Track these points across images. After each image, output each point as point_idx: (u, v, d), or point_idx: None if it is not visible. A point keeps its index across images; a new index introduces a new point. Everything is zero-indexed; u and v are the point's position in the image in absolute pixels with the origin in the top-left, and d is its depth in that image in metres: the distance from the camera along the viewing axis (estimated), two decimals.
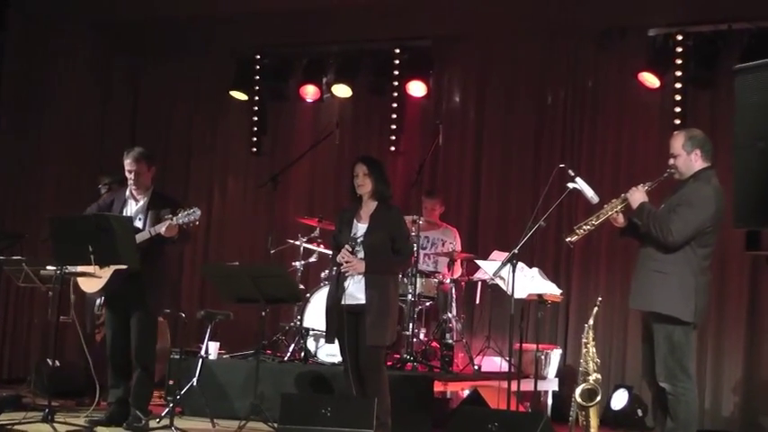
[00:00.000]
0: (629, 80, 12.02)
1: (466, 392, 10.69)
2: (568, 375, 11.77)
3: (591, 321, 7.63)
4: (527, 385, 10.08)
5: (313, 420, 7.55)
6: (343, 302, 8.37)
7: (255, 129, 13.92)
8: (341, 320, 8.39)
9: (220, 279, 8.68)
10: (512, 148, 12.75)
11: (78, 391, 10.54)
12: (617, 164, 12.05)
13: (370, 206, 8.57)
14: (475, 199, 12.89)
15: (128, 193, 9.24)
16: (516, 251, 8.22)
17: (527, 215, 12.09)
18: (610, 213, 7.84)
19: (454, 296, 11.21)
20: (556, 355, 11.27)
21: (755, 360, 11.30)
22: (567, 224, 11.57)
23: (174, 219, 8.77)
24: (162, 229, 8.79)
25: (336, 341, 8.61)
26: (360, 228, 8.51)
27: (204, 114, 14.26)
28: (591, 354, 7.59)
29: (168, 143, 14.07)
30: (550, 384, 11.25)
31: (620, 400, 11.17)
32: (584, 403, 7.44)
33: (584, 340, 7.62)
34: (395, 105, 13.17)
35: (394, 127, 13.18)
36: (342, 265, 8.39)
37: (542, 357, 10.96)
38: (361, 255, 8.39)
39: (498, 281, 8.39)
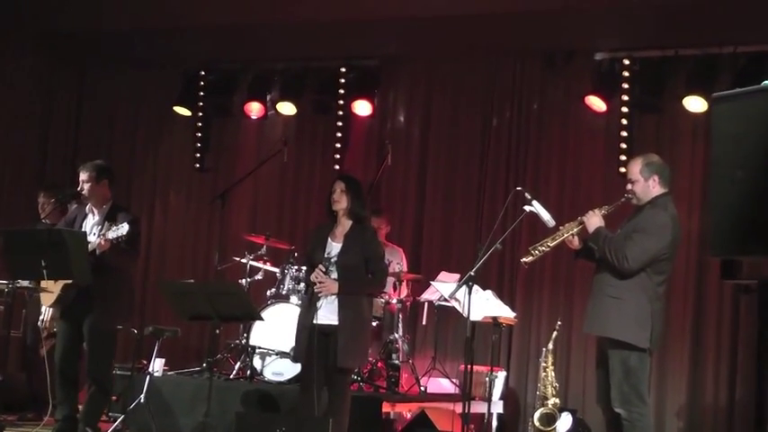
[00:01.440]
0: (574, 103, 12.12)
1: (409, 414, 10.69)
2: (511, 398, 11.86)
3: (550, 345, 7.67)
4: (476, 407, 10.09)
5: None
6: (315, 321, 8.31)
7: (199, 144, 13.84)
8: (311, 340, 8.31)
9: (175, 296, 8.58)
10: (456, 169, 12.79)
11: (20, 406, 10.39)
12: (562, 186, 12.14)
13: (344, 225, 8.50)
14: (419, 219, 12.92)
15: (87, 207, 9.16)
16: (473, 273, 8.21)
17: (471, 236, 12.30)
18: (566, 236, 7.88)
19: (400, 317, 11.20)
20: (500, 378, 11.29)
21: (699, 384, 11.40)
22: (512, 246, 11.65)
23: (105, 234, 8.66)
24: (95, 244, 8.70)
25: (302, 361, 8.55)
26: (334, 247, 8.44)
27: (148, 129, 14.16)
28: (550, 378, 7.62)
29: (111, 157, 13.90)
30: (495, 407, 11.26)
31: (564, 423, 11.18)
32: (542, 428, 7.45)
33: (542, 364, 7.65)
34: (340, 124, 13.16)
35: (339, 145, 13.17)
36: (315, 284, 8.33)
37: (487, 380, 10.96)
38: (334, 275, 8.34)
39: (454, 303, 8.37)
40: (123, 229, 8.57)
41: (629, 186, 7.88)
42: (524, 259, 7.89)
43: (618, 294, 7.65)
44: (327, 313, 8.33)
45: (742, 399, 11.24)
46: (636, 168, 7.86)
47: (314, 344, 8.29)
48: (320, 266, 8.33)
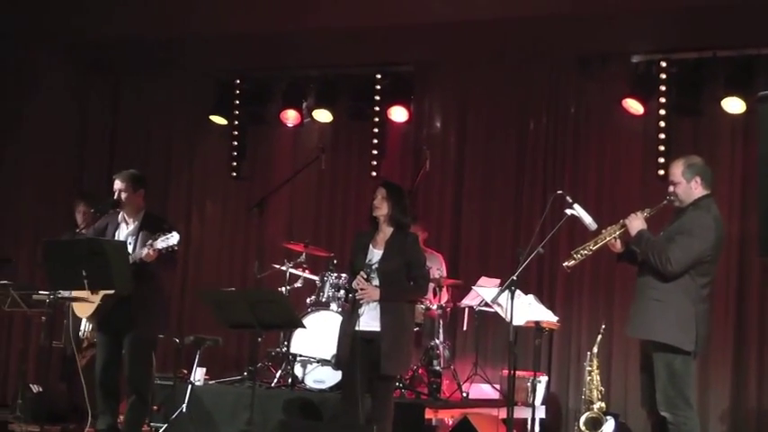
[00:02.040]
0: (611, 106, 12.06)
1: (451, 420, 10.66)
2: (552, 403, 11.80)
3: (595, 349, 7.64)
4: (518, 413, 10.03)
5: None
6: (357, 328, 8.30)
7: (235, 153, 13.83)
8: (354, 347, 8.30)
9: (217, 304, 8.57)
10: (493, 174, 12.74)
11: (61, 417, 10.41)
12: (599, 190, 12.06)
13: (386, 232, 8.51)
14: (456, 224, 12.88)
15: (120, 216, 9.16)
16: (515, 278, 8.16)
17: (509, 241, 12.27)
18: (608, 239, 7.84)
19: (441, 323, 11.17)
20: (542, 383, 11.23)
21: (742, 389, 11.31)
22: (551, 250, 11.58)
23: (153, 244, 8.68)
24: (142, 254, 8.71)
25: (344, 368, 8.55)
26: (375, 254, 8.45)
27: (183, 138, 14.16)
28: (595, 382, 7.59)
29: (147, 166, 13.93)
30: (538, 412, 11.20)
31: (607, 428, 11.12)
32: None
33: (587, 368, 7.61)
34: (376, 130, 13.15)
35: (375, 152, 13.15)
36: (357, 291, 8.33)
37: (529, 385, 10.93)
38: (376, 282, 8.33)
39: (496, 307, 8.32)
40: (174, 238, 8.60)
41: (671, 188, 7.83)
42: (567, 263, 7.85)
43: (661, 297, 7.60)
44: (369, 320, 8.34)
45: None
46: (678, 170, 7.81)
47: (356, 351, 8.29)
48: (362, 273, 8.34)
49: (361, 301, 8.35)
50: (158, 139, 14.25)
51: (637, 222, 7.77)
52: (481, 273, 11.64)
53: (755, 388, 11.31)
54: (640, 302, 7.76)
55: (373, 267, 8.40)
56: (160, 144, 14.22)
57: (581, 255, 7.83)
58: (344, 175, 13.35)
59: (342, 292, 10.47)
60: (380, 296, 8.32)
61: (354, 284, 8.39)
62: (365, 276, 8.34)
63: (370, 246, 8.55)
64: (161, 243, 8.63)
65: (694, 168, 7.79)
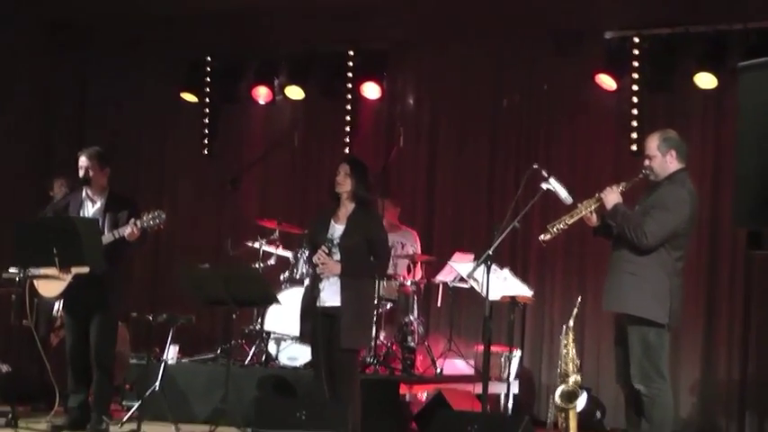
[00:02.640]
0: (584, 83, 12.04)
1: (424, 396, 10.66)
2: (525, 377, 11.82)
3: (571, 322, 7.60)
4: (492, 388, 10.03)
5: (287, 424, 7.46)
6: (318, 304, 8.29)
7: (207, 131, 13.77)
8: (315, 322, 8.30)
9: (193, 282, 8.54)
10: (466, 151, 12.74)
11: (32, 396, 10.34)
12: (573, 166, 12.03)
13: (348, 207, 8.50)
14: (429, 201, 12.88)
15: (83, 194, 9.07)
16: (491, 252, 8.14)
17: (483, 216, 12.28)
18: (583, 213, 7.81)
19: (415, 299, 11.16)
20: (515, 357, 11.23)
21: (712, 361, 11.39)
22: (524, 225, 11.57)
23: (139, 222, 8.61)
24: (126, 231, 8.64)
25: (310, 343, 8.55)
26: (337, 229, 8.45)
27: (154, 116, 14.06)
28: (570, 355, 7.56)
29: (117, 145, 13.85)
30: (511, 387, 11.20)
31: (579, 402, 11.15)
32: (563, 405, 7.39)
33: (563, 341, 7.58)
34: (348, 107, 13.11)
35: (348, 129, 13.10)
36: (317, 266, 8.31)
37: (502, 360, 10.94)
38: (337, 257, 8.32)
39: (472, 282, 8.31)
40: (161, 217, 8.55)
41: (646, 162, 7.81)
42: (543, 237, 7.81)
43: (636, 270, 7.59)
44: (330, 295, 8.35)
45: (754, 374, 11.24)
46: (653, 144, 7.79)
47: (318, 326, 8.29)
48: (323, 248, 8.33)
49: (321, 276, 8.35)
50: (129, 118, 14.12)
51: (612, 196, 7.75)
52: (455, 249, 11.62)
53: (725, 360, 11.38)
54: (615, 276, 7.75)
55: (335, 242, 8.39)
56: (131, 123, 14.10)
57: (557, 229, 7.80)
58: (317, 152, 13.30)
59: None
60: (341, 271, 8.32)
61: (315, 259, 8.38)
62: (326, 251, 8.33)
63: (332, 221, 8.54)
64: (148, 222, 8.58)
65: (669, 142, 7.78)
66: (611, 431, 11.16)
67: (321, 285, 8.32)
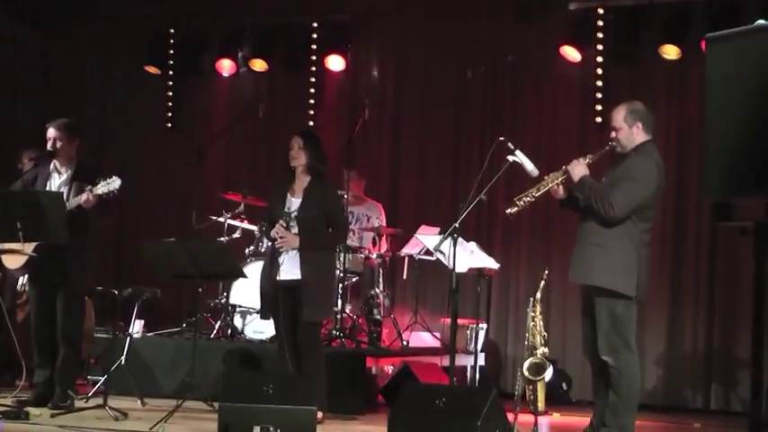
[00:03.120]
0: (549, 55, 12.06)
1: (390, 369, 10.66)
2: (491, 349, 11.84)
3: (538, 295, 7.59)
4: (458, 360, 10.04)
5: (256, 398, 7.38)
6: (278, 278, 8.29)
7: (170, 103, 13.69)
8: (276, 296, 8.29)
9: (158, 256, 8.48)
10: (431, 123, 12.74)
11: None
12: (538, 138, 12.03)
13: (303, 180, 8.53)
14: (394, 174, 12.87)
15: (51, 166, 8.99)
16: (457, 225, 8.12)
17: (447, 189, 12.29)
18: (550, 185, 7.79)
19: (380, 272, 11.14)
20: (481, 330, 11.23)
21: (678, 333, 11.47)
22: (489, 197, 11.56)
23: (94, 189, 8.53)
24: (82, 199, 8.56)
25: (271, 318, 8.54)
26: (293, 202, 8.48)
27: (117, 88, 13.93)
28: (538, 327, 7.56)
29: (80, 117, 13.69)
30: (477, 359, 11.22)
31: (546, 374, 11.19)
32: (531, 377, 7.40)
33: (530, 314, 7.57)
34: (313, 80, 13.06)
35: (312, 101, 13.07)
36: (276, 240, 8.30)
37: (468, 332, 10.96)
38: (295, 230, 8.33)
39: (439, 255, 8.29)
40: (115, 183, 8.48)
41: (612, 134, 7.80)
42: (509, 210, 7.79)
43: (603, 242, 7.59)
44: (290, 268, 8.40)
45: (719, 346, 11.33)
46: (620, 116, 7.78)
47: (278, 300, 8.28)
48: (281, 221, 8.37)
49: (281, 250, 8.34)
50: (91, 90, 14.01)
51: (579, 168, 7.74)
52: (420, 222, 11.60)
53: (690, 331, 11.48)
54: (582, 248, 7.75)
55: (292, 216, 8.43)
56: (93, 93, 13.98)
57: (524, 201, 7.78)
58: (281, 125, 13.18)
59: None
60: (300, 244, 8.32)
61: (273, 233, 8.42)
62: (284, 225, 8.34)
63: (288, 194, 8.58)
64: (102, 188, 8.50)
65: (636, 114, 7.77)
66: (577, 402, 11.19)
67: (280, 259, 8.36)
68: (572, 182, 7.77)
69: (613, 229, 7.57)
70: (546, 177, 7.84)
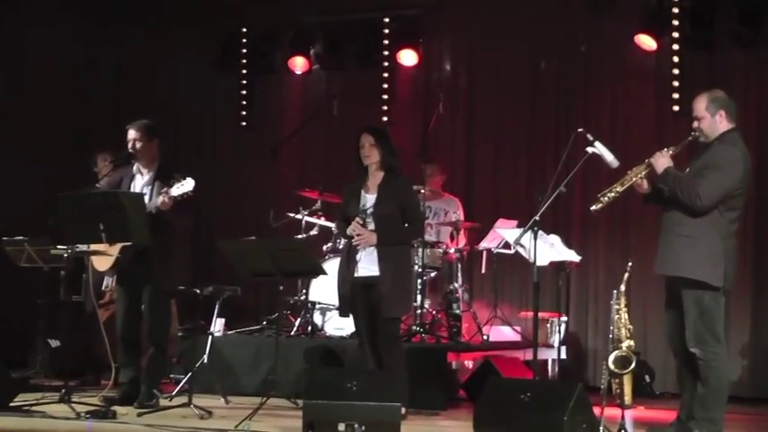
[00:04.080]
0: (623, 43, 11.92)
1: (471, 364, 10.63)
2: (571, 343, 11.76)
3: (622, 287, 7.51)
4: (540, 354, 9.99)
5: (339, 395, 7.38)
6: (355, 275, 8.28)
7: (244, 102, 13.70)
8: (354, 294, 8.28)
9: (238, 255, 8.50)
10: (504, 116, 12.65)
11: (80, 372, 10.38)
12: (613, 129, 11.91)
13: (377, 177, 8.52)
14: (469, 168, 12.80)
15: (135, 168, 9.07)
16: (537, 218, 8.07)
17: (522, 182, 12.22)
18: (634, 180, 7.68)
19: (459, 266, 11.10)
20: (562, 324, 11.16)
21: (762, 323, 11.30)
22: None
23: (169, 191, 8.58)
24: (158, 202, 8.62)
25: (350, 315, 8.55)
26: (368, 199, 8.46)
27: (190, 89, 13.95)
28: (623, 320, 7.48)
29: (154, 117, 13.81)
30: (558, 353, 11.15)
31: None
32: (617, 371, 7.32)
33: (615, 306, 7.49)
34: (385, 75, 13.01)
35: (386, 97, 13.02)
36: (352, 238, 8.28)
37: (549, 326, 10.91)
38: (371, 227, 8.30)
39: (519, 249, 8.26)
40: (189, 185, 8.52)
41: (695, 124, 7.70)
42: (594, 207, 7.69)
43: (690, 233, 7.51)
44: (367, 265, 8.40)
45: None
46: (702, 105, 7.68)
47: (357, 297, 8.26)
48: (357, 219, 8.35)
49: (358, 247, 8.31)
50: (165, 91, 14.05)
51: (663, 160, 7.64)
52: (495, 215, 11.64)
53: None
54: (668, 239, 7.65)
55: (368, 212, 8.40)
56: (167, 96, 14.03)
57: (608, 197, 7.67)
58: (355, 122, 13.11)
59: None
60: (377, 240, 8.30)
61: (350, 230, 8.41)
62: (360, 222, 8.32)
63: (362, 191, 8.56)
64: (176, 190, 8.55)
65: (718, 102, 7.66)
66: (660, 395, 11.09)
67: (357, 256, 8.34)
68: (655, 175, 7.68)
69: (700, 220, 7.49)
70: (629, 172, 7.73)
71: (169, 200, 8.58)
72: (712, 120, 7.63)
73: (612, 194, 7.67)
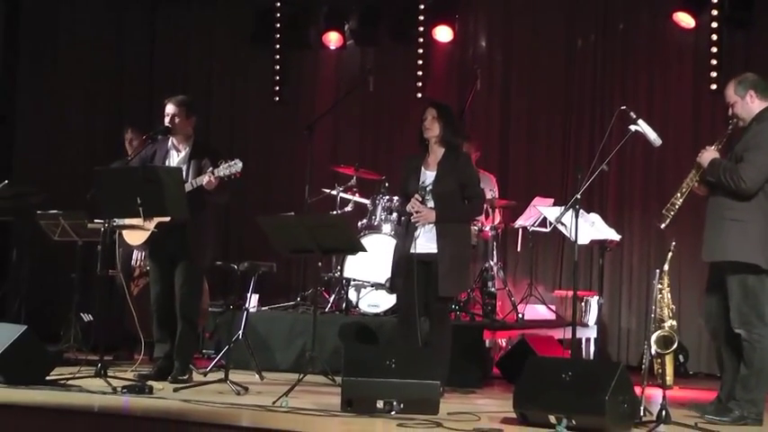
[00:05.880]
0: (661, 21, 11.88)
1: (505, 342, 10.58)
2: (605, 322, 11.70)
3: (665, 267, 7.45)
4: (577, 333, 9.92)
5: (378, 372, 7.34)
6: (413, 251, 8.21)
7: (277, 77, 13.64)
8: (411, 270, 8.21)
9: (276, 230, 8.43)
10: (540, 93, 12.59)
11: (113, 346, 10.36)
12: (651, 108, 11.78)
13: (437, 153, 8.41)
14: (504, 145, 12.75)
15: (170, 143, 9.00)
16: (579, 196, 8.01)
17: (558, 160, 12.16)
18: (691, 185, 7.64)
19: (494, 244, 11.06)
20: (595, 302, 11.11)
21: None
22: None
23: (216, 171, 8.54)
24: (203, 181, 8.57)
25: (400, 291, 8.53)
26: (428, 175, 8.37)
27: (223, 63, 13.97)
28: (666, 300, 7.44)
29: (186, 92, 13.78)
30: (591, 332, 11.13)
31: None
32: (660, 350, 7.26)
33: (658, 286, 7.43)
34: (420, 51, 12.94)
35: (420, 73, 12.95)
36: (411, 214, 8.23)
37: (583, 305, 10.86)
38: (430, 204, 8.24)
39: (560, 227, 8.21)
40: (237, 166, 8.46)
41: (730, 111, 7.66)
42: (662, 224, 7.63)
43: (738, 217, 7.43)
44: (426, 242, 8.29)
45: None
46: (730, 91, 7.67)
47: (413, 274, 8.20)
48: (416, 196, 8.26)
49: (416, 224, 8.25)
50: (198, 66, 14.05)
51: (708, 154, 7.59)
52: (529, 193, 11.57)
53: None
54: (716, 224, 7.54)
55: (427, 189, 8.32)
56: (200, 71, 14.02)
57: (672, 211, 7.61)
58: (389, 98, 13.18)
59: (394, 215, 10.37)
60: (436, 218, 8.24)
61: (409, 207, 8.31)
62: (420, 199, 8.25)
63: (422, 168, 8.47)
64: (224, 170, 8.49)
65: (745, 83, 7.63)
66: (694, 375, 11.04)
67: (416, 233, 8.25)
68: (705, 171, 7.60)
69: (746, 203, 7.42)
70: (685, 180, 7.67)
71: (215, 180, 8.53)
72: (743, 102, 7.60)
73: (676, 206, 7.60)
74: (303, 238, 8.25)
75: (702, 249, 7.65)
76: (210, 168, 8.58)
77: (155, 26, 14.25)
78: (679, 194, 7.63)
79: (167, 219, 8.48)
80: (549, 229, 10.64)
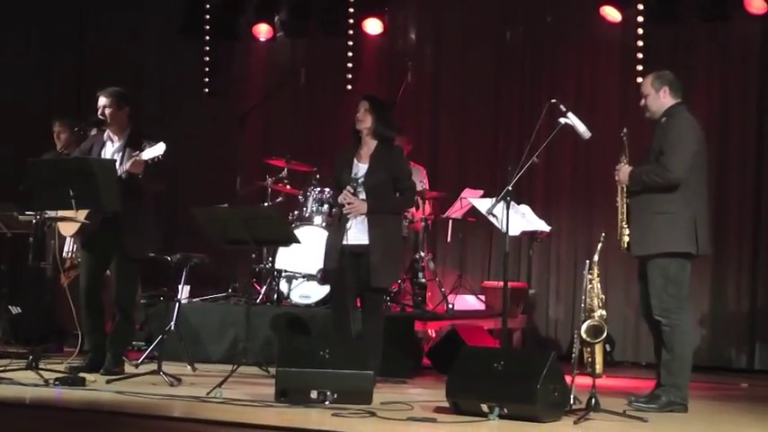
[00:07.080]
0: (589, 15, 11.98)
1: (434, 332, 10.66)
2: (533, 312, 11.85)
3: (595, 257, 7.56)
4: (514, 323, 10.09)
5: (312, 363, 7.41)
6: (345, 243, 8.27)
7: (207, 69, 13.64)
8: (342, 261, 8.29)
9: (211, 222, 8.45)
10: (470, 85, 12.69)
11: (43, 338, 10.29)
12: (578, 100, 11.88)
13: (370, 145, 8.49)
14: (434, 137, 12.84)
15: (105, 135, 8.99)
16: (510, 188, 8.13)
17: (488, 151, 12.26)
18: (625, 203, 7.81)
19: (424, 235, 11.14)
20: (529, 293, 11.24)
21: (721, 293, 11.45)
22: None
23: (140, 154, 8.52)
24: (127, 166, 8.55)
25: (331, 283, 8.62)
26: (360, 168, 8.44)
27: (153, 55, 13.90)
28: (596, 290, 7.53)
29: (117, 84, 13.71)
30: (521, 321, 11.26)
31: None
32: (589, 340, 7.38)
33: (588, 276, 7.54)
34: (350, 43, 12.99)
35: (350, 65, 13.00)
36: (343, 206, 8.29)
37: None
38: (362, 196, 8.31)
39: (491, 218, 8.31)
40: (160, 148, 8.42)
41: (642, 102, 7.92)
42: (623, 247, 7.80)
43: (665, 209, 7.64)
44: (357, 233, 8.36)
45: (763, 305, 11.31)
46: (647, 82, 7.93)
47: (345, 265, 8.28)
48: (348, 187, 8.33)
49: (348, 216, 8.32)
50: (128, 58, 13.90)
51: (623, 171, 7.80)
52: (459, 184, 11.67)
53: (734, 291, 11.47)
54: (646, 219, 7.70)
55: (359, 181, 8.40)
56: (130, 62, 13.89)
57: (624, 235, 7.77)
58: (320, 90, 13.21)
59: (325, 206, 10.43)
60: (368, 209, 8.32)
61: (341, 199, 8.38)
62: (352, 191, 8.32)
63: (355, 160, 8.54)
64: (147, 154, 8.45)
65: (662, 78, 7.89)
66: (620, 363, 11.22)
67: (348, 224, 8.32)
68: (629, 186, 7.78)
69: (671, 194, 7.61)
70: (618, 201, 7.85)
71: (140, 163, 8.51)
72: (656, 95, 7.86)
73: (625, 228, 7.77)
74: (238, 230, 8.27)
75: (633, 246, 7.78)
76: (135, 152, 8.54)
77: (83, 16, 14.14)
78: (621, 217, 7.82)
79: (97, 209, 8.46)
80: (477, 220, 10.73)
